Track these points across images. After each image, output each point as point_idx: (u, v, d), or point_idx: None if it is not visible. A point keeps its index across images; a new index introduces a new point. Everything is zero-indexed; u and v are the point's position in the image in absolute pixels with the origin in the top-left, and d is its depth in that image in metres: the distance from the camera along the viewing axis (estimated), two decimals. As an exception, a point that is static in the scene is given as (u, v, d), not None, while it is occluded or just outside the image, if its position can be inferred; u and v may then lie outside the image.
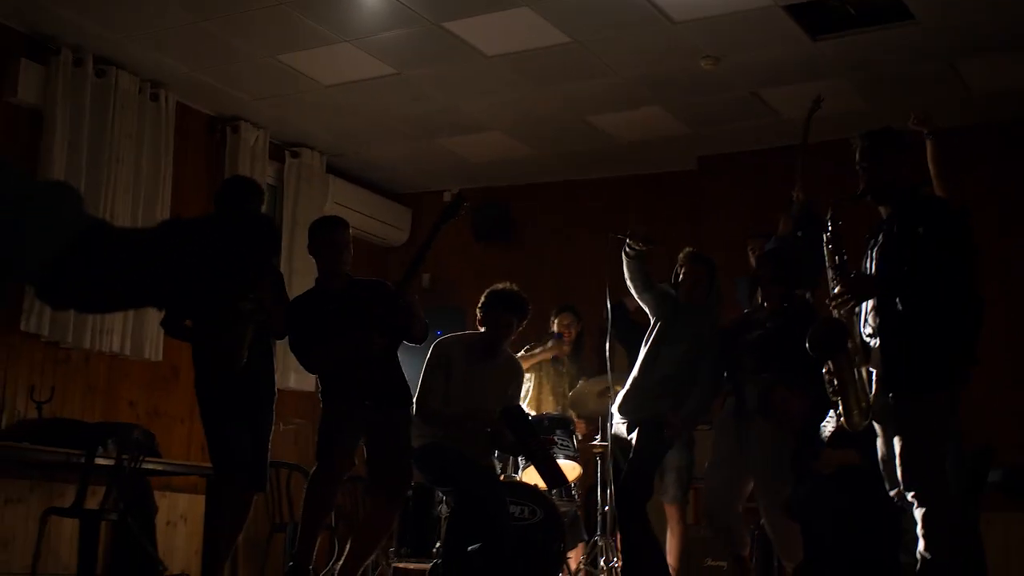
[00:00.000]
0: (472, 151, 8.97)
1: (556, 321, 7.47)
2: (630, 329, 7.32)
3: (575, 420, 7.07)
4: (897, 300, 4.72)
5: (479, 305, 5.92)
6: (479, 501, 5.68)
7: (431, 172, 9.47)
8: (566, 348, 7.45)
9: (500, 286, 5.97)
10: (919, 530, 4.61)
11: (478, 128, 8.50)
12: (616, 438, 6.03)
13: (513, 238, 9.47)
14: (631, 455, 5.83)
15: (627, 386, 5.98)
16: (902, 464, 4.66)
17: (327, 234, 5.52)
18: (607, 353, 6.35)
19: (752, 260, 6.80)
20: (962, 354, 4.70)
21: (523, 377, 6.28)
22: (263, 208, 5.44)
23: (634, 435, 5.87)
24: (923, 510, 4.60)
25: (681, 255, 6.06)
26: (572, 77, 7.51)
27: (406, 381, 5.58)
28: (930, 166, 5.64)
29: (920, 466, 4.64)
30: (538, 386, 7.37)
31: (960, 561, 4.77)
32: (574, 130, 8.44)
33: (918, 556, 4.62)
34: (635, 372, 5.98)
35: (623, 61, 7.25)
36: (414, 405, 5.79)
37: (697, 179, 8.86)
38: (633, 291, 6.05)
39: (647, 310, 6.05)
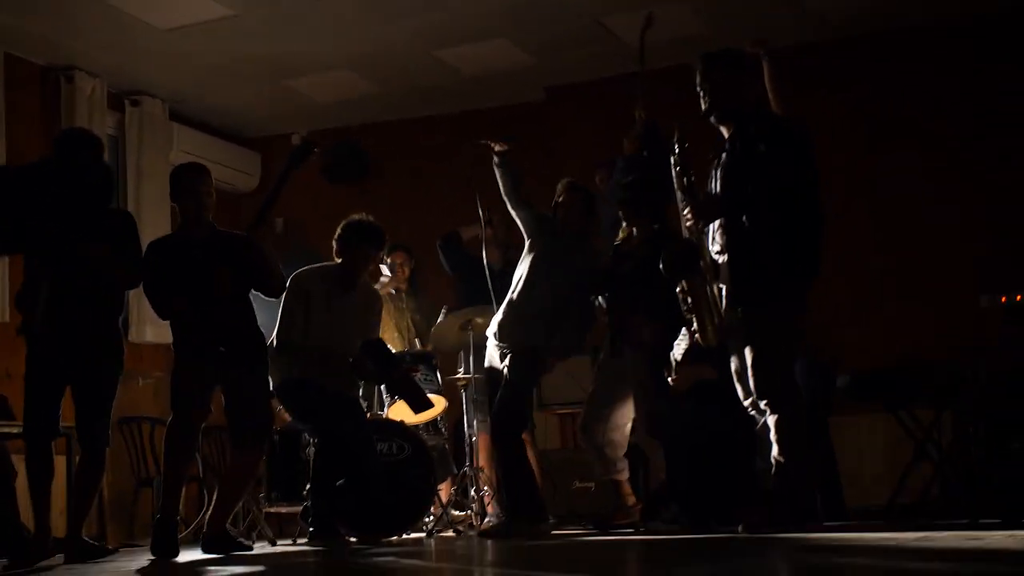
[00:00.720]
0: (319, 91, 8.85)
1: (388, 259, 7.49)
2: (463, 260, 7.42)
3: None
4: (743, 218, 4.88)
5: (335, 237, 5.92)
6: (342, 437, 5.72)
7: (278, 115, 9.32)
8: (402, 286, 7.50)
9: (356, 217, 5.97)
10: (772, 435, 4.82)
11: (324, 67, 8.39)
12: (490, 368, 6.09)
13: (365, 178, 9.40)
14: (503, 385, 5.88)
15: (503, 311, 6.00)
16: (754, 374, 4.85)
17: (189, 181, 5.42)
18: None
19: (600, 189, 6.91)
20: (805, 266, 4.88)
21: (382, 306, 6.31)
22: (103, 159, 5.26)
23: (505, 364, 5.94)
24: (776, 416, 4.81)
25: (560, 184, 6.11)
26: (416, 11, 7.46)
27: (259, 328, 5.54)
28: (767, 86, 5.79)
29: (771, 375, 4.84)
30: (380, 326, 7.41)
31: (813, 462, 5.00)
32: (421, 65, 8.39)
33: (772, 460, 4.82)
34: (513, 296, 5.98)
35: (466, -7, 7.23)
36: (274, 340, 5.78)
37: (545, 109, 8.92)
38: (508, 204, 6.07)
39: (521, 227, 6.07)
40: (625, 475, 5.95)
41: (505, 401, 5.85)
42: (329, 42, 7.92)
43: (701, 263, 4.94)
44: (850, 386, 6.12)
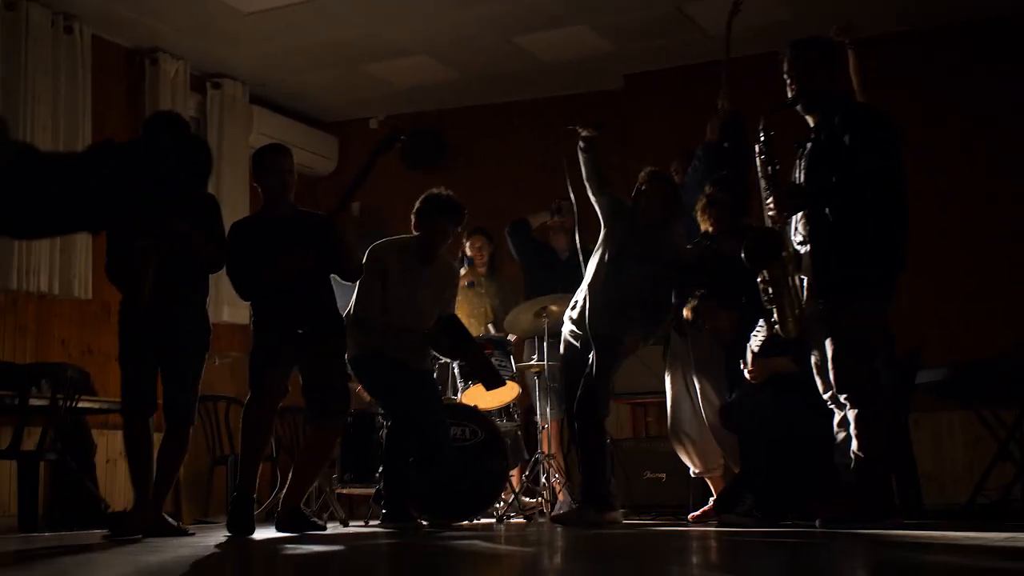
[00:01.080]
0: (397, 76, 8.88)
1: (467, 244, 7.49)
2: (531, 246, 7.40)
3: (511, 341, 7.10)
4: (827, 209, 4.80)
5: (414, 211, 5.91)
6: (415, 415, 5.73)
7: (356, 99, 9.37)
8: (480, 270, 7.49)
9: (435, 191, 5.95)
10: (852, 430, 4.74)
11: (402, 53, 8.41)
12: (565, 355, 6.07)
13: (443, 163, 9.42)
14: (587, 372, 5.83)
15: (587, 300, 5.92)
16: (834, 367, 4.77)
17: (271, 161, 5.47)
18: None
19: (678, 180, 6.83)
20: (890, 259, 4.80)
21: (459, 281, 6.29)
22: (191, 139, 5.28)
23: (569, 351, 5.92)
24: (856, 411, 4.73)
25: (642, 173, 6.01)
26: (495, -3, 7.46)
27: (338, 309, 5.58)
28: (852, 76, 5.70)
29: (852, 369, 4.76)
30: (456, 311, 7.40)
31: (891, 458, 4.93)
32: (499, 52, 8.38)
33: (851, 455, 4.75)
34: (595, 286, 5.90)
35: (546, -21, 7.20)
36: (350, 313, 5.80)
37: (624, 97, 8.87)
38: (590, 190, 5.98)
39: (599, 213, 6.00)
40: (720, 472, 5.85)
41: (590, 387, 5.80)
42: (407, 28, 7.94)
43: (784, 253, 4.87)
44: (931, 383, 6.01)
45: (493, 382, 6.01)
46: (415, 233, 5.93)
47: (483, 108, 9.44)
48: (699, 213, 5.83)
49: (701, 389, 5.79)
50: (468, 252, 7.51)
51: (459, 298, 7.33)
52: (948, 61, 7.89)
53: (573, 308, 6.00)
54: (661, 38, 8.11)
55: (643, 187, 5.91)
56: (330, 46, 8.21)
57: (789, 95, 4.95)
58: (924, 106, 7.74)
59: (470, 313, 7.40)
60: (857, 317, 4.78)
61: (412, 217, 5.92)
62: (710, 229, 5.80)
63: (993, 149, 7.66)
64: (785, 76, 4.97)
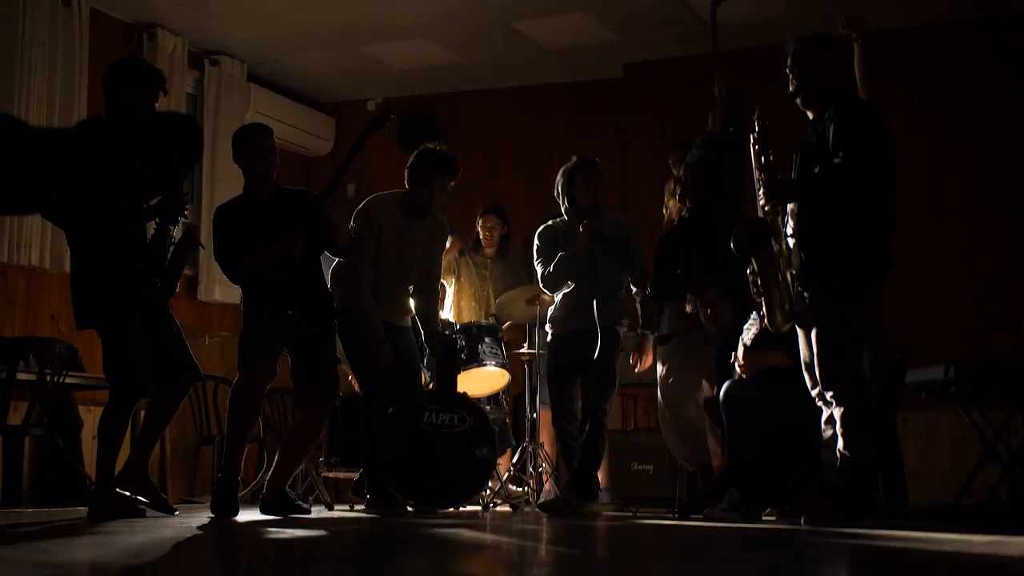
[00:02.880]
0: (396, 58, 8.84)
1: (480, 222, 7.44)
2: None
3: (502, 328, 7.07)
4: (809, 200, 4.80)
5: (407, 165, 5.86)
6: (385, 380, 5.70)
7: (355, 80, 9.33)
8: (488, 251, 7.45)
9: (429, 146, 5.92)
10: (838, 428, 4.73)
11: (402, 35, 8.37)
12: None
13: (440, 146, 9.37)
14: (606, 367, 6.01)
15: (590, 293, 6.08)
16: (819, 362, 4.76)
17: (251, 140, 5.44)
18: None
19: (674, 172, 6.82)
20: (873, 248, 4.76)
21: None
22: (157, 93, 5.15)
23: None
24: (841, 409, 4.72)
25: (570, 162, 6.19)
26: (496, -19, 7.42)
27: (328, 290, 5.56)
28: (856, 70, 5.67)
29: (836, 365, 4.75)
30: (458, 291, 7.38)
31: (878, 458, 4.92)
32: (499, 36, 8.35)
33: (837, 454, 4.74)
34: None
35: (548, -35, 7.17)
36: (337, 266, 5.80)
37: (623, 86, 8.83)
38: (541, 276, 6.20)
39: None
40: (718, 460, 5.85)
41: (614, 379, 6.04)
42: (408, 10, 7.90)
43: (775, 245, 4.87)
44: (919, 382, 6.00)
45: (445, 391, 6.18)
46: (408, 188, 5.87)
47: (481, 93, 9.41)
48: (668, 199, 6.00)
49: (690, 381, 5.80)
50: (480, 230, 7.45)
51: (463, 279, 7.34)
52: (946, 56, 7.87)
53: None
54: (661, 27, 8.08)
55: (575, 175, 6.09)
56: (329, 26, 8.17)
57: (791, 88, 4.93)
58: (921, 101, 7.72)
59: (472, 296, 7.37)
60: (839, 307, 4.76)
61: (406, 172, 5.87)
62: (685, 213, 5.89)
63: (989, 145, 7.64)
64: (788, 70, 4.96)
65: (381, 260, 5.77)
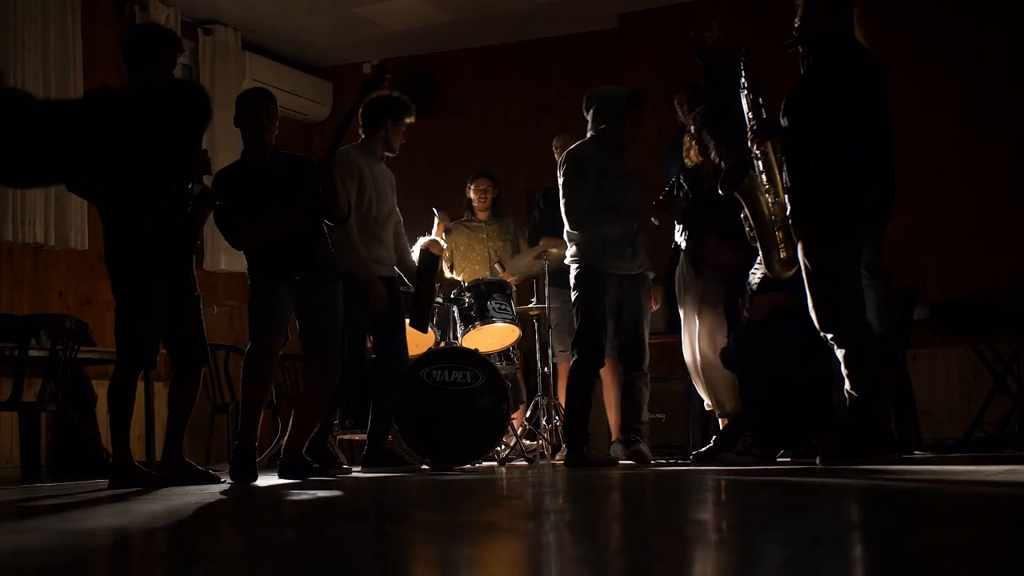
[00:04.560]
0: (390, 19, 8.80)
1: (471, 187, 7.45)
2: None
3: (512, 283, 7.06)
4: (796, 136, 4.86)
5: (360, 114, 5.98)
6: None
7: (350, 43, 9.29)
8: (482, 215, 7.47)
9: (375, 95, 5.96)
10: (843, 370, 4.75)
11: (395, -5, 8.32)
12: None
13: (437, 106, 9.37)
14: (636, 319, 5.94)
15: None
16: (814, 305, 4.77)
17: (252, 104, 5.43)
18: None
19: (680, 113, 6.80)
20: (855, 180, 4.76)
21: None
22: (174, 58, 5.16)
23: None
24: (843, 351, 4.74)
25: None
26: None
27: (332, 255, 5.57)
28: (855, 15, 5.63)
29: (832, 307, 4.76)
30: (461, 259, 7.41)
31: (885, 395, 4.93)
32: (492, -7, 8.32)
33: (846, 394, 4.77)
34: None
35: (539, -82, 7.12)
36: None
37: (618, 37, 8.80)
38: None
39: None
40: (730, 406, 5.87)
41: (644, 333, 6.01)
42: (400, -31, 7.86)
43: (764, 194, 4.93)
44: (928, 317, 6.02)
45: (415, 322, 6.07)
46: (364, 138, 6.07)
47: (476, 51, 9.37)
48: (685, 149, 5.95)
49: (703, 327, 5.82)
50: (471, 194, 7.46)
51: (462, 244, 7.35)
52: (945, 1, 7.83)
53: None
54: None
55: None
56: (321, -10, 8.13)
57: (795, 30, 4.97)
58: (921, 43, 7.69)
59: (474, 260, 7.39)
60: (829, 240, 4.77)
61: (360, 121, 6.01)
62: (699, 161, 5.88)
63: (990, 82, 7.62)
64: (798, 18, 4.98)
65: (366, 205, 5.90)
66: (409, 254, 6.25)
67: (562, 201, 5.95)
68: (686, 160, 6.07)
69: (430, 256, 6.10)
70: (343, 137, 5.43)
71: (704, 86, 6.37)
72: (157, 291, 5.02)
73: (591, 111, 6.02)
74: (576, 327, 5.92)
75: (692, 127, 6.00)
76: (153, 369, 5.20)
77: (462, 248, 7.43)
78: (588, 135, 6.04)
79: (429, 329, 6.38)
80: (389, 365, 5.98)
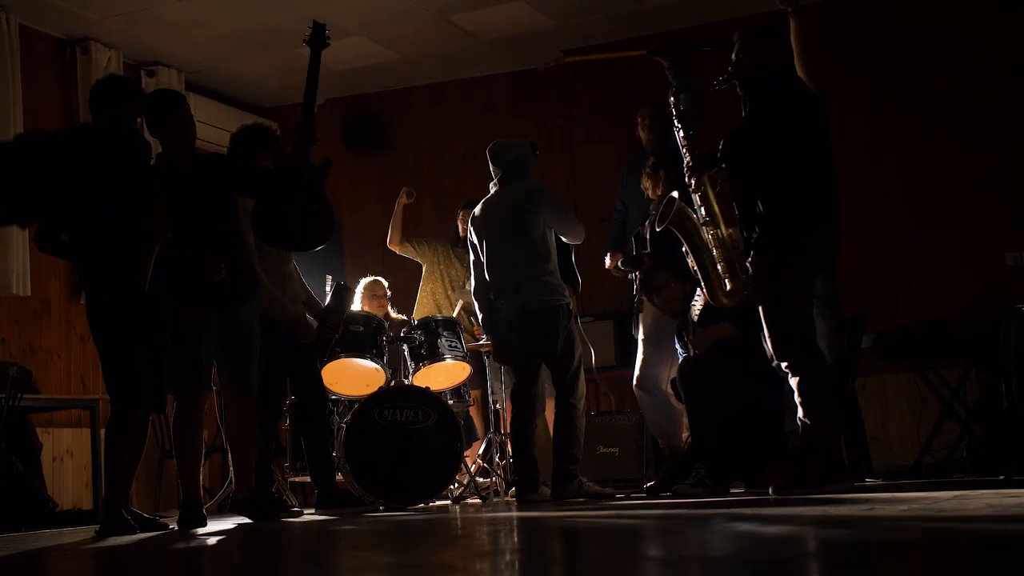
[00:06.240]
0: (336, 59, 8.75)
1: (460, 216, 7.40)
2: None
3: (475, 323, 7.00)
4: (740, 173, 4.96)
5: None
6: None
7: (296, 84, 9.17)
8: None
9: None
10: (796, 398, 4.79)
11: (338, 34, 8.26)
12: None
13: (384, 145, 9.36)
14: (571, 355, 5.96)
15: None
16: (769, 335, 4.83)
17: (173, 109, 5.15)
18: None
19: (641, 129, 6.90)
20: (800, 212, 4.83)
21: None
22: (140, 110, 5.04)
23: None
24: (797, 379, 4.77)
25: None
26: (431, -25, 7.39)
27: (250, 267, 5.31)
28: (794, 44, 5.71)
29: (786, 336, 4.81)
30: (445, 287, 7.39)
31: (838, 424, 4.97)
32: (438, 31, 8.32)
33: (798, 422, 4.80)
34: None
35: (481, -45, 7.15)
36: None
37: (565, 73, 8.84)
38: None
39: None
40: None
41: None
42: (342, 8, 7.85)
43: (711, 233, 5.04)
44: (875, 345, 6.07)
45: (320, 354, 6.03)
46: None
47: (422, 88, 9.38)
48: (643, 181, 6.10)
49: (661, 361, 5.90)
50: (460, 225, 7.43)
51: (450, 276, 7.34)
52: (889, 27, 7.95)
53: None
54: (598, 12, 8.09)
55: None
56: (264, 31, 8.11)
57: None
58: (867, 74, 7.81)
59: (448, 285, 7.37)
60: (781, 270, 4.84)
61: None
62: (652, 198, 5.99)
63: (937, 104, 7.73)
64: (734, 56, 5.08)
65: (267, 248, 5.58)
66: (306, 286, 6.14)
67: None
68: (648, 194, 6.18)
69: (344, 290, 6.05)
70: (313, 101, 5.39)
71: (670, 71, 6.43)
72: (134, 331, 4.86)
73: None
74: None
75: (649, 166, 6.13)
76: (147, 409, 5.02)
77: (450, 277, 7.42)
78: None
79: (378, 367, 6.34)
80: (312, 402, 5.91)
